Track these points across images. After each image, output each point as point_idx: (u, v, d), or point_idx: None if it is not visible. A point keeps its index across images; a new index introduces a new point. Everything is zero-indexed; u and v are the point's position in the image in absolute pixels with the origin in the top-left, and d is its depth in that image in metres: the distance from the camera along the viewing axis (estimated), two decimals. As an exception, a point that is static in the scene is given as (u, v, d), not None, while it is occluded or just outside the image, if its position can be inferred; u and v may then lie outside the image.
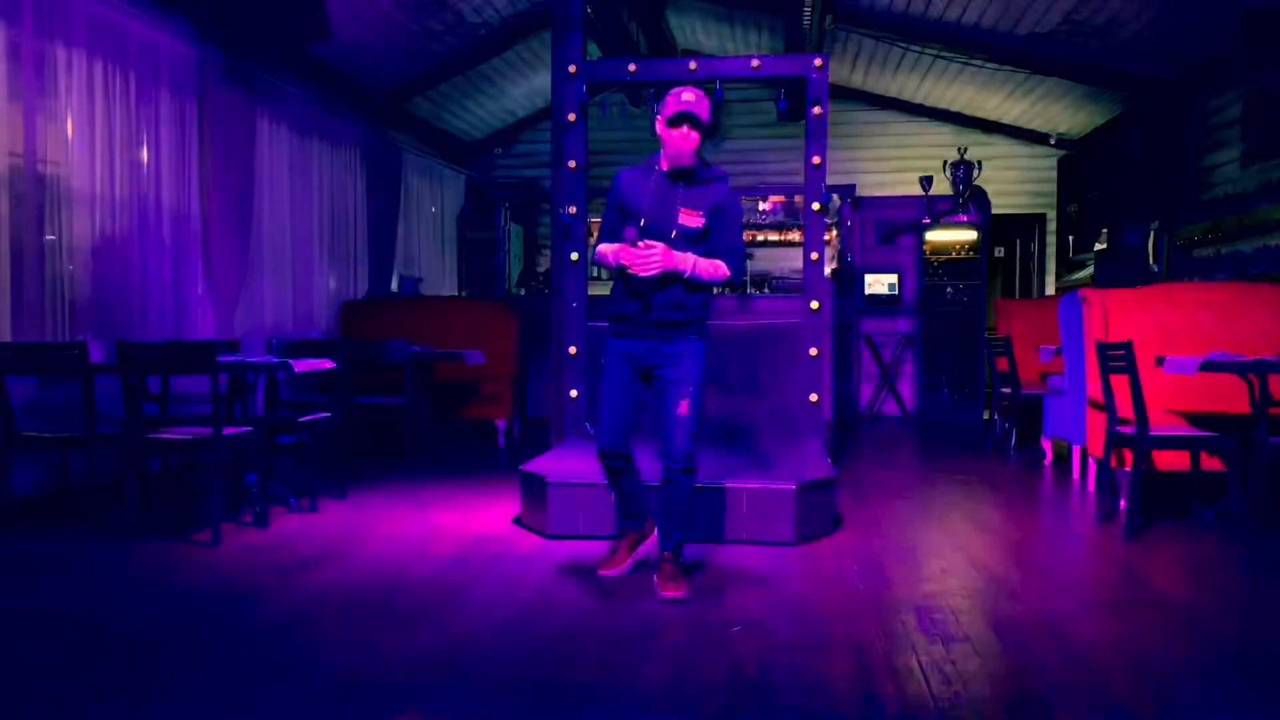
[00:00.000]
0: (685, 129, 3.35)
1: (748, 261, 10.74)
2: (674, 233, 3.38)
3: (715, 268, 3.42)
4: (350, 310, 8.05)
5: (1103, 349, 4.64)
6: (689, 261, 3.35)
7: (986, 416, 9.39)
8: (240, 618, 3.18)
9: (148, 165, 5.83)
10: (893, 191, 10.32)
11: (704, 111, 3.36)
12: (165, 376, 5.05)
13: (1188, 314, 5.21)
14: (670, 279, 3.36)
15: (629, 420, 3.54)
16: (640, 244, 3.27)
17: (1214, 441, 4.43)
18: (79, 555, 3.98)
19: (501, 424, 7.65)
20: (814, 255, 5.40)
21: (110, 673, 2.70)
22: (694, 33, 10.08)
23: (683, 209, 3.41)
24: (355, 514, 4.82)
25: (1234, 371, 4.26)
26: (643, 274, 3.29)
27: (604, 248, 3.51)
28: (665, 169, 3.47)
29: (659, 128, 3.43)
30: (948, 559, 4.07)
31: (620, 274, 3.42)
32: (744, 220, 10.55)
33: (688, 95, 3.36)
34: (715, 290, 3.59)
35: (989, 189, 9.79)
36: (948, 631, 3.02)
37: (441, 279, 10.59)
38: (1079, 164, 10.04)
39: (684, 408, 3.40)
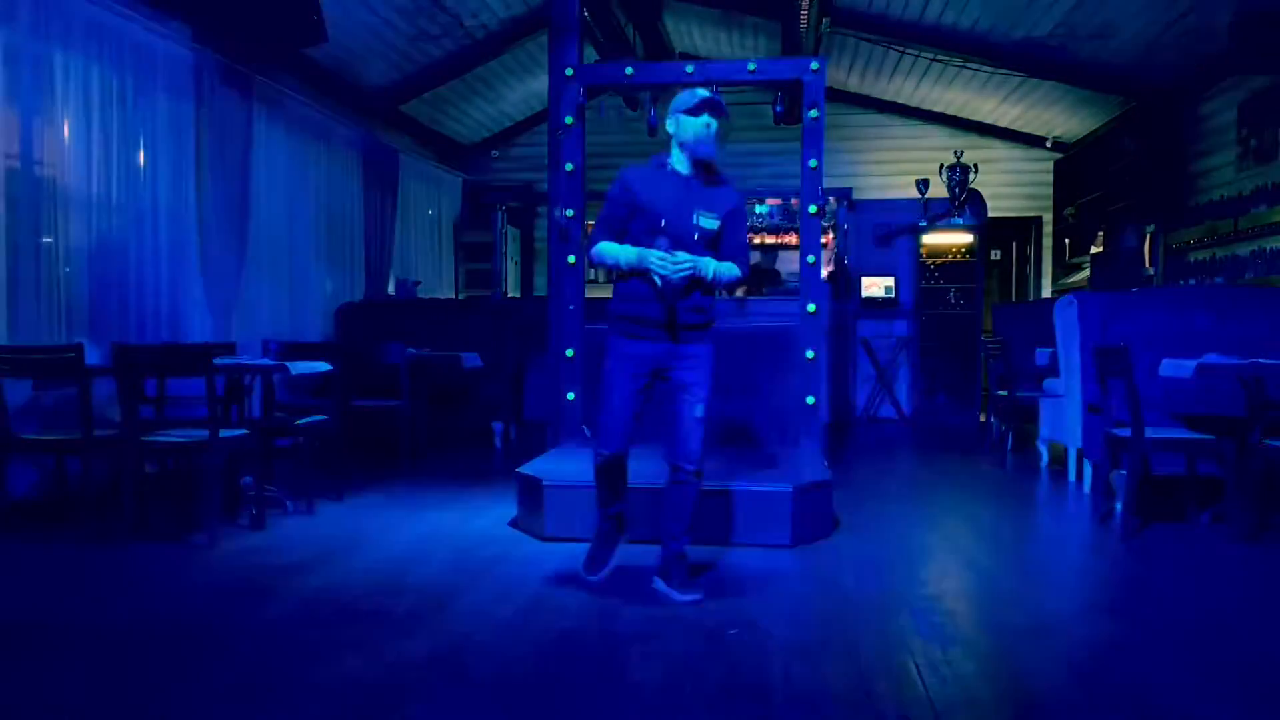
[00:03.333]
0: (706, 118, 3.33)
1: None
2: (695, 235, 3.38)
3: (730, 270, 3.43)
4: (347, 313, 8.04)
5: (1099, 352, 4.65)
6: (709, 267, 3.35)
7: (983, 419, 9.40)
8: (237, 621, 3.17)
9: (144, 168, 5.82)
10: (889, 194, 10.33)
11: (724, 106, 3.35)
12: (162, 379, 5.04)
13: (1184, 317, 5.22)
14: (694, 283, 3.36)
15: (634, 424, 3.46)
16: (670, 251, 3.25)
17: (1210, 445, 4.44)
18: (75, 559, 3.97)
19: (498, 427, 7.64)
20: (811, 258, 5.40)
21: (107, 677, 2.69)
22: (691, 36, 10.09)
23: (700, 212, 3.39)
24: (352, 517, 4.82)
25: (1230, 375, 4.27)
26: (675, 279, 3.26)
27: (608, 247, 3.42)
28: (678, 169, 3.42)
29: (672, 126, 3.39)
30: (944, 561, 4.08)
31: (633, 276, 3.37)
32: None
33: (704, 91, 3.36)
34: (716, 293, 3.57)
35: (985, 192, 9.81)
36: (944, 634, 3.02)
37: (438, 282, 10.58)
38: (1075, 167, 10.06)
39: (700, 410, 3.39)
